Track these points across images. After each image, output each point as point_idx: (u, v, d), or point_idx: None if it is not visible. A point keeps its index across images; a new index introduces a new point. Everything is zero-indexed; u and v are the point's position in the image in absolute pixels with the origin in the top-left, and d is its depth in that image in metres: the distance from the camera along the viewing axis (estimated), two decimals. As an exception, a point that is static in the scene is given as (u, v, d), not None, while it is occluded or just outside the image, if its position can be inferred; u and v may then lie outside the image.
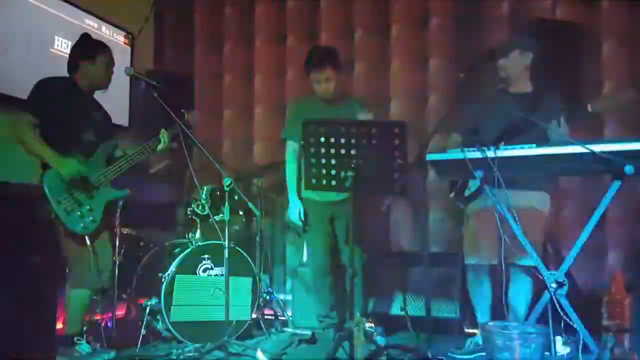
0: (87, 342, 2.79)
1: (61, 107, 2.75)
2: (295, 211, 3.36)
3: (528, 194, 2.78)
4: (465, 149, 2.48)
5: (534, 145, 2.36)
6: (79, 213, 2.69)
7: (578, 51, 3.42)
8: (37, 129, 2.67)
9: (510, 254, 2.60)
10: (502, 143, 2.47)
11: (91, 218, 2.73)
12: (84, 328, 2.90)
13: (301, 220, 3.36)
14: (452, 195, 2.98)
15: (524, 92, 2.91)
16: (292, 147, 3.40)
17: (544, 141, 2.48)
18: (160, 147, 3.03)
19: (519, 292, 2.81)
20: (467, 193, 2.92)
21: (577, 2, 3.75)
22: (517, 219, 2.48)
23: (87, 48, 2.91)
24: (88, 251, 2.74)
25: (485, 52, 3.05)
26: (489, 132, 2.79)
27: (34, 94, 2.74)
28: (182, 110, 3.09)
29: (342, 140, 2.45)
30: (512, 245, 2.52)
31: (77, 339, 2.75)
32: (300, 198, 3.37)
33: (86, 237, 2.72)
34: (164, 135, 3.03)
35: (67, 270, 2.87)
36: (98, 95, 3.01)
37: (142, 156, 2.96)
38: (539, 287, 2.64)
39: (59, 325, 2.93)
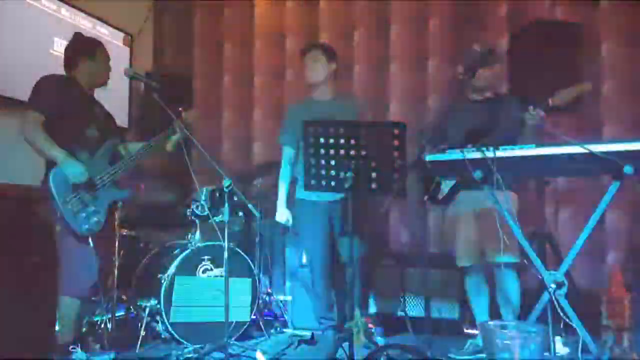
0: (86, 344, 2.78)
1: (65, 103, 2.72)
2: (283, 217, 3.37)
3: (499, 194, 2.77)
4: (465, 149, 2.48)
5: (533, 145, 2.36)
6: (84, 214, 2.66)
7: (576, 51, 3.42)
8: (44, 128, 2.63)
9: (492, 252, 2.63)
10: (469, 146, 2.48)
11: (96, 219, 2.69)
12: (83, 331, 2.88)
13: (289, 224, 3.39)
14: (426, 198, 3.00)
15: (485, 98, 2.98)
16: (286, 153, 3.40)
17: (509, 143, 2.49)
18: (175, 137, 2.98)
19: (508, 289, 2.83)
20: (440, 196, 2.94)
21: (577, 2, 3.75)
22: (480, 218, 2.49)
23: (86, 45, 2.89)
24: (89, 253, 2.69)
25: (486, 53, 3.06)
26: (456, 136, 2.82)
27: (38, 90, 2.70)
28: (180, 109, 3.07)
29: (342, 141, 2.45)
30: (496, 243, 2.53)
31: (72, 348, 2.68)
32: (293, 201, 3.38)
33: (90, 240, 2.67)
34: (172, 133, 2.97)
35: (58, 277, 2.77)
36: (98, 95, 3.00)
37: (145, 154, 2.91)
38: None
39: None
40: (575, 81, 2.60)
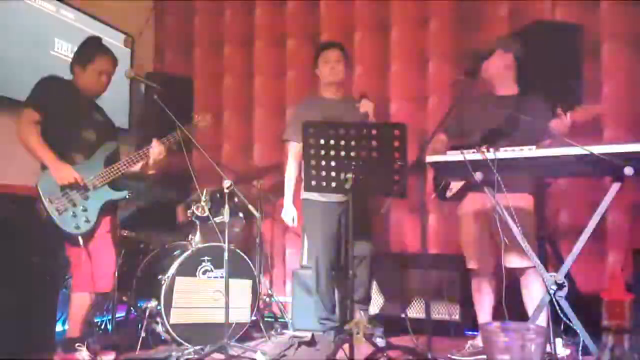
0: (87, 344, 2.79)
1: (62, 105, 2.77)
2: (288, 214, 3.39)
3: (516, 196, 2.77)
4: (465, 150, 2.48)
5: (533, 147, 2.36)
6: (71, 213, 2.69)
7: (576, 52, 3.41)
8: (39, 127, 2.69)
9: (507, 256, 2.61)
10: (486, 145, 2.46)
11: (84, 218, 2.72)
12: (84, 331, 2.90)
13: (294, 224, 3.42)
14: (433, 196, 2.99)
15: (509, 95, 2.94)
16: (293, 148, 3.40)
17: (530, 142, 2.48)
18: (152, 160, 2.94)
19: (534, 297, 2.74)
20: (448, 195, 2.93)
21: (577, 2, 3.75)
22: (516, 220, 2.47)
23: (81, 54, 2.92)
24: (83, 252, 2.73)
25: (477, 54, 3.07)
26: (475, 134, 2.80)
27: (37, 90, 2.75)
28: (194, 114, 3.12)
29: (342, 142, 2.45)
30: (511, 247, 2.52)
31: (79, 346, 2.72)
32: (298, 199, 3.39)
33: (79, 238, 2.70)
34: (154, 148, 2.94)
35: (68, 272, 2.88)
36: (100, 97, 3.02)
37: (132, 164, 2.90)
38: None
39: (62, 327, 2.92)
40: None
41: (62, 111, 2.76)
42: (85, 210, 2.74)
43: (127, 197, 2.93)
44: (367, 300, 3.40)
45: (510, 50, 2.93)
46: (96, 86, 2.92)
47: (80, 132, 2.84)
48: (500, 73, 2.94)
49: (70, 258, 2.82)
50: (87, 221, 2.73)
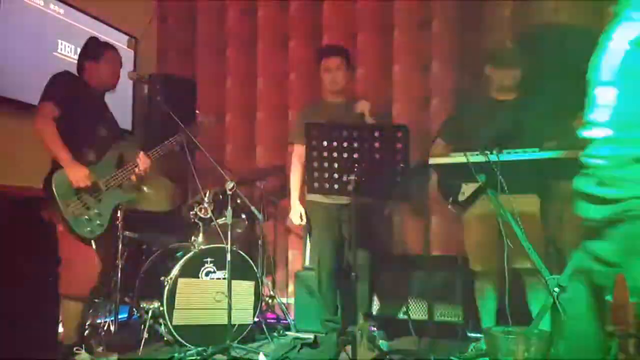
0: (89, 346, 2.79)
1: (78, 101, 2.75)
2: (296, 213, 3.36)
3: (523, 197, 2.76)
4: (468, 153, 2.47)
5: (537, 149, 2.36)
6: (86, 217, 2.68)
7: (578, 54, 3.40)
8: (56, 124, 2.65)
9: (512, 258, 2.60)
10: (497, 148, 2.45)
11: (98, 222, 2.72)
12: (85, 333, 2.89)
13: (302, 222, 3.37)
14: (450, 200, 2.98)
15: (509, 99, 2.94)
16: (297, 151, 3.40)
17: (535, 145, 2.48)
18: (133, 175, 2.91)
19: (538, 299, 2.74)
20: (460, 198, 2.92)
21: (580, 4, 3.74)
22: (519, 222, 2.47)
23: (91, 49, 2.93)
24: (91, 255, 2.72)
25: (486, 55, 3.06)
26: (479, 137, 2.80)
27: (54, 85, 2.72)
28: (197, 111, 3.10)
29: (345, 144, 2.45)
30: (515, 249, 2.51)
31: (77, 349, 2.71)
32: (303, 201, 3.38)
33: (93, 242, 2.69)
34: (142, 161, 2.91)
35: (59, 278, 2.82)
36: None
37: (127, 174, 2.89)
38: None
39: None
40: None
41: (77, 107, 2.74)
42: (99, 214, 2.72)
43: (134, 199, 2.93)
44: (369, 316, 3.38)
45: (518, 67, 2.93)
46: (110, 77, 2.92)
47: (94, 129, 2.83)
48: (516, 81, 2.95)
49: (67, 261, 2.74)
50: (101, 225, 2.72)
